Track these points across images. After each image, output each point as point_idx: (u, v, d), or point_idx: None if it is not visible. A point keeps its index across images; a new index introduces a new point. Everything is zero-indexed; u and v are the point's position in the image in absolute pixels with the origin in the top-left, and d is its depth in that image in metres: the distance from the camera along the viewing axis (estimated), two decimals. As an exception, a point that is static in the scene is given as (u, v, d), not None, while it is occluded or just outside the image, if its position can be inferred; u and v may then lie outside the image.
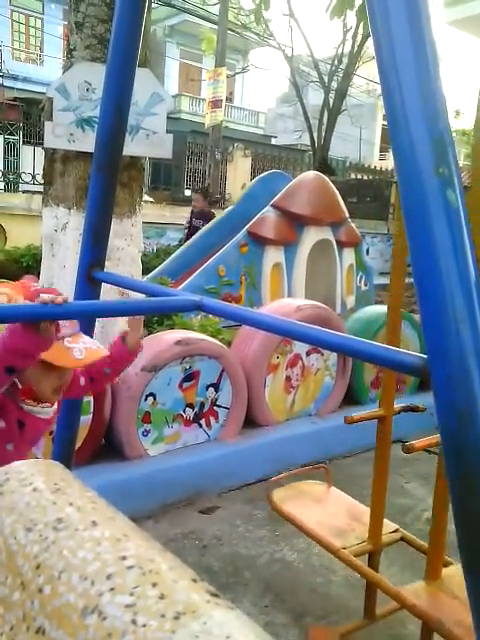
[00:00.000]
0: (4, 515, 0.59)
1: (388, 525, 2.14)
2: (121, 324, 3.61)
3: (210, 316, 4.31)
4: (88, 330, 1.71)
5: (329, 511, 2.24)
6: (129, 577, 0.48)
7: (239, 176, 14.49)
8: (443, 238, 0.77)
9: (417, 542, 2.08)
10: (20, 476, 0.64)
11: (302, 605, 2.34)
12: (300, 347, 3.78)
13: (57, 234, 3.54)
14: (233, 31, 17.72)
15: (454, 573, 1.87)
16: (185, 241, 7.55)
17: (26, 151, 12.64)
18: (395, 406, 2.05)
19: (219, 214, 8.11)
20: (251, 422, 3.63)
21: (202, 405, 3.32)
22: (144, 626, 0.43)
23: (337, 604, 2.35)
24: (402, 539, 2.14)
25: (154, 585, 0.47)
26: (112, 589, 0.47)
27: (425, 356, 0.82)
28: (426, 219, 0.78)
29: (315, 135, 16.10)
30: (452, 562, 1.94)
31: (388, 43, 0.81)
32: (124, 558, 0.50)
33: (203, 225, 7.39)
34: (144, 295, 1.66)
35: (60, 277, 3.55)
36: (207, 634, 0.42)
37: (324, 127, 16.09)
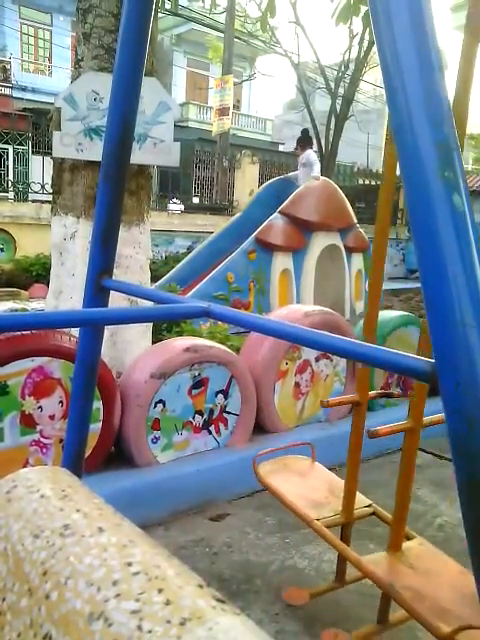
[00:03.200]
0: (11, 522, 0.59)
1: (362, 500, 2.28)
2: (131, 332, 3.63)
3: (219, 323, 4.32)
4: (97, 338, 1.72)
5: (310, 485, 2.39)
6: (135, 583, 0.48)
7: (247, 183, 14.54)
8: (449, 242, 0.77)
9: (387, 517, 2.17)
10: (27, 483, 0.64)
11: (313, 613, 2.32)
12: (309, 353, 3.77)
13: (66, 243, 3.57)
14: (239, 39, 17.84)
15: (413, 546, 2.02)
16: None
17: (35, 161, 12.77)
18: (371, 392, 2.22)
19: (227, 221, 8.14)
20: (260, 429, 3.63)
21: (211, 412, 3.32)
22: (150, 632, 0.43)
23: (348, 612, 2.33)
24: (374, 514, 2.26)
25: (160, 591, 0.47)
26: (118, 595, 0.47)
27: (433, 361, 0.82)
28: (432, 223, 0.78)
29: (323, 141, 16.13)
30: (415, 536, 2.07)
31: (392, 47, 0.81)
32: (130, 564, 0.50)
33: None
34: (153, 302, 1.67)
35: (69, 285, 3.57)
36: (213, 640, 0.41)
37: (331, 133, 16.12)
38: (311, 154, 8.25)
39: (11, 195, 11.67)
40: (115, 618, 0.45)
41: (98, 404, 2.84)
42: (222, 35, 17.31)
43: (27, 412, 2.72)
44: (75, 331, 2.74)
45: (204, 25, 18.76)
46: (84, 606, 0.47)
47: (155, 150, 3.54)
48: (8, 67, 21.57)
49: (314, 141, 11.84)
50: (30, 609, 0.52)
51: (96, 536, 0.55)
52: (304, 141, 8.46)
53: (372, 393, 2.23)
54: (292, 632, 2.20)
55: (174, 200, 14.11)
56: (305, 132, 8.71)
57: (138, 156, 3.44)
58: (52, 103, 3.67)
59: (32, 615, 0.51)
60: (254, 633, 0.43)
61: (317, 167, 8.00)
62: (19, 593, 0.54)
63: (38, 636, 0.49)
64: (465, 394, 0.75)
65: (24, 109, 15.97)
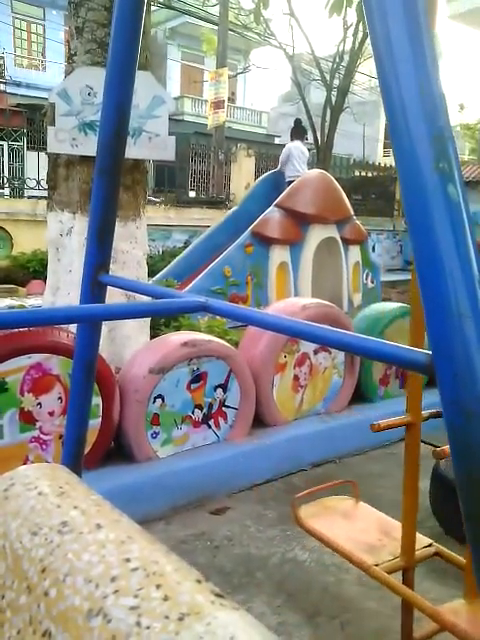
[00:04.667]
0: (9, 519, 0.59)
1: (421, 539, 2.00)
2: (129, 327, 3.62)
3: (216, 317, 4.31)
4: (94, 334, 1.72)
5: (358, 527, 2.13)
6: (133, 579, 0.48)
7: (243, 176, 14.49)
8: (445, 233, 0.77)
9: (454, 557, 1.94)
10: (25, 480, 0.64)
11: (315, 605, 2.33)
12: (307, 346, 3.78)
13: (62, 239, 3.56)
14: (234, 31, 17.75)
15: None
16: None
17: (30, 157, 12.71)
18: (423, 413, 1.88)
19: (224, 215, 8.12)
20: (260, 422, 3.63)
21: (210, 406, 3.33)
22: (148, 628, 0.43)
23: (350, 603, 2.34)
24: (437, 554, 1.99)
25: (158, 587, 0.47)
26: (116, 591, 0.47)
27: (430, 352, 0.82)
28: (427, 214, 0.78)
29: (318, 133, 16.08)
30: None
31: (385, 39, 0.80)
32: (128, 560, 0.50)
33: None
34: (150, 298, 1.66)
35: (66, 281, 3.57)
36: (211, 635, 0.41)
37: (327, 125, 16.06)
38: (288, 145, 8.04)
39: (7, 191, 11.64)
40: (114, 614, 0.45)
41: (97, 400, 2.84)
42: (216, 28, 17.22)
43: (26, 409, 2.72)
44: (73, 327, 2.74)
45: (198, 18, 18.66)
46: (83, 603, 0.47)
47: (150, 144, 3.53)
48: (1, 62, 21.45)
49: (308, 132, 11.72)
50: (29, 606, 0.52)
51: (94, 533, 0.55)
52: (293, 132, 8.21)
53: (425, 413, 1.88)
54: (294, 624, 2.22)
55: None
56: (297, 122, 8.44)
57: (133, 150, 3.43)
58: (46, 98, 3.66)
59: (31, 612, 0.52)
60: (253, 627, 0.43)
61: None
62: (18, 590, 0.54)
63: (37, 633, 0.50)
64: (462, 385, 0.75)
65: (18, 105, 15.88)
